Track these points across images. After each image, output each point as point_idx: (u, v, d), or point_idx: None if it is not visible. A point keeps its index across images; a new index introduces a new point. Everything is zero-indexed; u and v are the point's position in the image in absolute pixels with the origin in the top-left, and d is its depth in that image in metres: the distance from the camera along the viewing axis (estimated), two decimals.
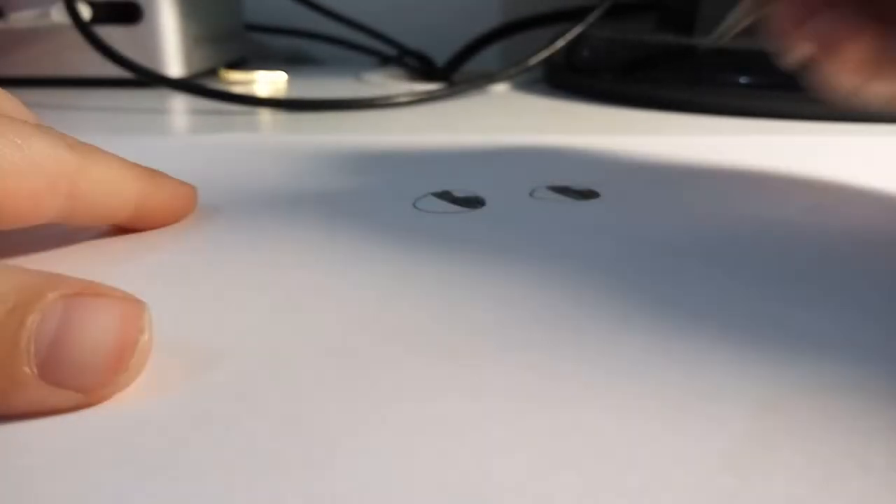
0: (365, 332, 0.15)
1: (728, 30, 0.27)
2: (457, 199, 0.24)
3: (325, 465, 0.11)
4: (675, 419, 0.12)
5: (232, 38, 0.61)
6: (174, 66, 0.49)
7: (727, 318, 0.16)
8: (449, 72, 0.57)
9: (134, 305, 0.13)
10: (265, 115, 0.41)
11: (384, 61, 0.62)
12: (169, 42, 0.48)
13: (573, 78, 0.50)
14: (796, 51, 0.21)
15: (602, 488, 0.10)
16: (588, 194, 0.24)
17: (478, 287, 0.17)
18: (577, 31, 0.47)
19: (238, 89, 0.48)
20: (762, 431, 0.12)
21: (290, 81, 0.54)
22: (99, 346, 0.12)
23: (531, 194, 0.24)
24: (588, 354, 0.14)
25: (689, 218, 0.22)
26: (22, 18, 0.45)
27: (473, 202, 0.23)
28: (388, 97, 0.43)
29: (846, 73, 0.20)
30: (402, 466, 0.11)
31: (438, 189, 0.25)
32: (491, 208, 0.23)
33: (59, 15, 0.44)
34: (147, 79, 0.42)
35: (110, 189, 0.18)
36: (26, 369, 0.11)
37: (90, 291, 0.12)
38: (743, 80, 0.41)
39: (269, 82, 0.53)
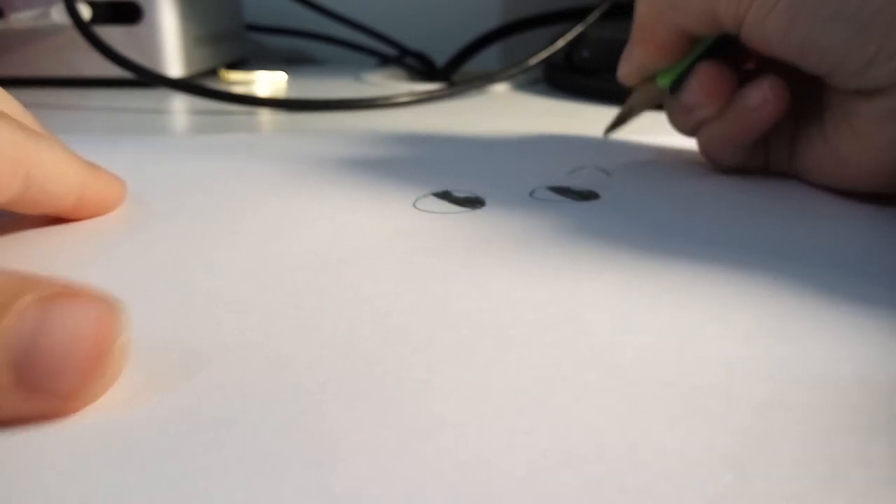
0: (365, 332, 0.15)
1: (617, 125, 0.29)
2: (457, 199, 0.24)
3: (325, 464, 0.11)
4: (676, 418, 0.12)
5: (232, 38, 0.61)
6: (174, 67, 0.49)
7: (728, 316, 0.16)
8: (449, 72, 0.57)
9: (110, 307, 0.12)
10: (265, 115, 0.41)
11: (384, 61, 0.62)
12: (169, 42, 0.48)
13: (573, 78, 0.50)
14: (701, 112, 0.26)
15: (603, 487, 0.11)
16: (588, 195, 0.24)
17: (478, 287, 0.17)
18: (576, 31, 0.47)
19: (238, 89, 0.48)
20: (763, 428, 0.12)
21: (290, 81, 0.54)
22: (74, 350, 0.12)
23: (531, 195, 0.24)
24: (589, 354, 0.14)
25: (690, 218, 0.22)
26: (22, 19, 0.45)
27: (473, 202, 0.23)
28: (387, 97, 0.43)
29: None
30: (403, 466, 0.11)
31: (439, 189, 0.25)
32: (491, 208, 0.23)
33: (59, 15, 0.44)
34: (147, 79, 0.42)
35: (60, 176, 0.19)
36: (1, 375, 0.11)
37: (66, 293, 0.12)
38: None
39: (269, 82, 0.53)
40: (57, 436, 0.12)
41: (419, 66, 0.58)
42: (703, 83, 0.26)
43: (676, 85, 0.27)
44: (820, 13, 0.22)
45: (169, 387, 0.13)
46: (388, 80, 0.55)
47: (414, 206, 0.23)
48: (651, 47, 0.27)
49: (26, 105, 0.21)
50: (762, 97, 0.25)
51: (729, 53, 0.26)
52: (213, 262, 0.18)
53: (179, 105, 0.44)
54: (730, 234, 0.21)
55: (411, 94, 0.44)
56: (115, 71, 0.43)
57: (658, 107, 0.29)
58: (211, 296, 0.17)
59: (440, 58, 0.58)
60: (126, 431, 0.12)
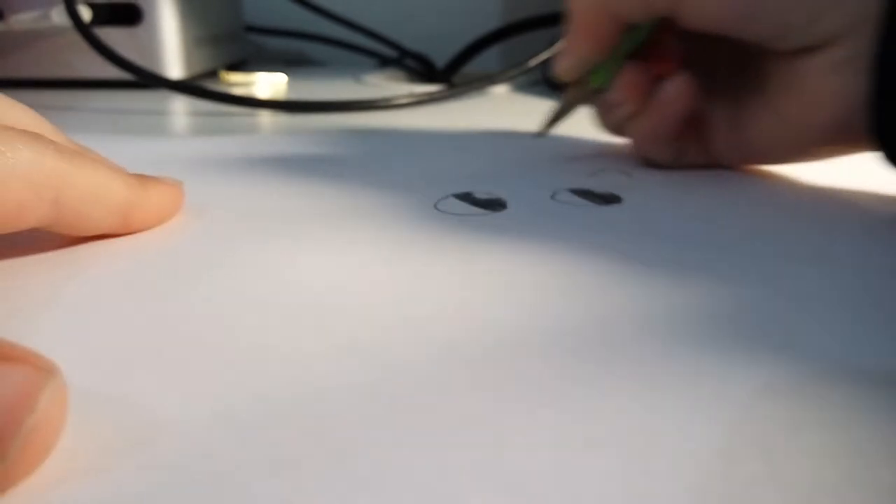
0: (386, 335, 0.15)
1: (551, 124, 0.31)
2: (478, 200, 0.23)
3: (338, 466, 0.11)
4: (701, 403, 0.12)
5: (232, 39, 0.61)
6: (174, 68, 0.48)
7: (749, 312, 0.15)
8: (449, 73, 0.57)
9: (31, 378, 0.10)
10: (265, 116, 0.41)
11: (384, 63, 0.62)
12: (169, 44, 0.48)
13: None
14: (624, 109, 0.28)
15: (622, 470, 0.10)
16: (610, 198, 0.24)
17: (500, 290, 0.17)
18: None
19: (238, 91, 0.47)
20: (791, 417, 0.12)
21: (290, 83, 0.54)
22: None
23: (553, 197, 0.24)
24: (610, 356, 0.14)
25: (711, 221, 0.22)
26: (22, 20, 0.44)
27: (495, 204, 0.23)
28: (388, 99, 0.43)
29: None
30: (427, 462, 0.11)
31: (460, 191, 0.24)
32: (512, 211, 0.23)
33: (59, 17, 0.43)
34: (147, 80, 0.41)
35: (97, 198, 0.18)
36: None
37: None
38: None
39: (269, 84, 0.53)
40: None
41: (419, 67, 0.58)
42: (627, 83, 0.27)
43: (606, 84, 0.28)
44: None
45: (188, 387, 0.13)
46: (388, 81, 0.54)
47: (435, 207, 0.23)
48: (588, 40, 0.27)
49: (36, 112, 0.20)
50: (676, 91, 0.26)
51: (650, 55, 0.28)
52: (228, 263, 0.18)
53: (179, 107, 0.44)
54: (754, 237, 0.21)
55: (411, 95, 0.44)
56: (115, 72, 0.42)
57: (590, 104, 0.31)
58: (228, 297, 0.16)
59: (440, 59, 0.58)
60: (150, 428, 0.11)
